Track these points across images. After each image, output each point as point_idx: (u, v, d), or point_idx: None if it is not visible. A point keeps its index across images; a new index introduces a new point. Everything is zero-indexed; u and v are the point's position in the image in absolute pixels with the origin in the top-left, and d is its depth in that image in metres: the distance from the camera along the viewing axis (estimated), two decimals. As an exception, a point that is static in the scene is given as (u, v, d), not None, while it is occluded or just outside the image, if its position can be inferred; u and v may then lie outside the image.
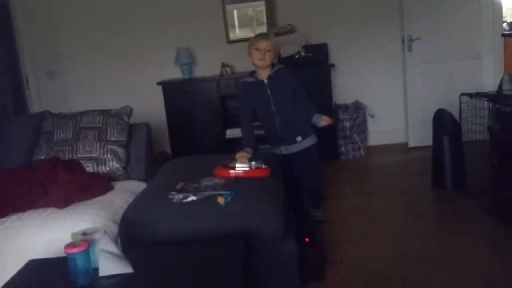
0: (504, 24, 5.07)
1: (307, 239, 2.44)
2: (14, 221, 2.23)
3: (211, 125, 4.60)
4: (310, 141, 2.91)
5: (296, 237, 2.23)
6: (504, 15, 5.10)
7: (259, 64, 2.76)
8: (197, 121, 4.60)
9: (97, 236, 1.68)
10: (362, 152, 4.66)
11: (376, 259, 2.57)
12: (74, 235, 1.68)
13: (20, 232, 2.17)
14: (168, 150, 4.75)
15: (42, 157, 2.79)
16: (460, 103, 3.34)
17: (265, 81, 2.81)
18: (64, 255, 1.57)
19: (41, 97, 4.94)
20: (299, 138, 2.87)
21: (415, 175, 3.90)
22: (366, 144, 4.81)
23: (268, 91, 2.80)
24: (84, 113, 3.02)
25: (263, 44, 2.74)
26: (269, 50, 2.74)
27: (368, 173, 4.36)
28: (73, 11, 4.89)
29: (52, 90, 4.99)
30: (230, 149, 3.94)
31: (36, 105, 4.86)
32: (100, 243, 1.64)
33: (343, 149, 4.66)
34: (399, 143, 4.88)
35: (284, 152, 2.89)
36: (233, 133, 4.48)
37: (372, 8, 4.77)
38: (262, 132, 3.03)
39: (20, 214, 2.29)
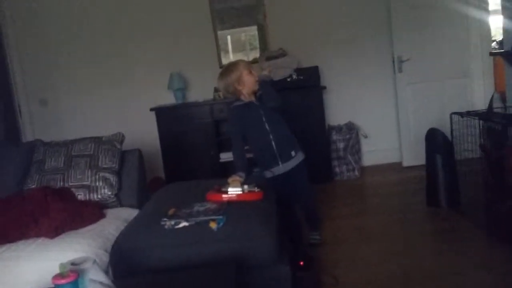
0: (493, 43, 5.14)
1: (301, 263, 2.42)
2: (3, 252, 2.20)
3: (205, 150, 4.59)
4: (301, 155, 2.96)
5: (290, 261, 2.20)
6: (493, 34, 5.18)
7: (255, 88, 2.80)
8: (191, 145, 4.60)
9: (86, 265, 1.65)
10: (356, 172, 4.66)
11: (372, 281, 2.54)
12: (62, 265, 1.64)
13: (10, 263, 2.13)
14: (162, 175, 4.73)
15: (33, 186, 2.77)
16: (451, 122, 3.35)
17: (256, 102, 2.84)
18: (53, 286, 1.54)
19: (34, 124, 4.94)
20: (293, 153, 2.91)
21: (410, 194, 3.90)
22: (361, 165, 4.82)
23: (261, 111, 2.82)
24: (75, 141, 3.01)
25: (254, 69, 2.80)
26: None
27: (363, 193, 4.34)
28: (66, 39, 4.93)
29: (45, 117, 4.99)
30: (225, 173, 3.92)
31: (29, 133, 4.86)
32: (89, 273, 1.61)
33: (337, 170, 4.66)
34: (393, 163, 4.89)
35: (282, 171, 2.89)
36: (227, 156, 4.48)
37: (362, 30, 4.84)
38: (251, 155, 3.03)
39: (10, 245, 2.26)
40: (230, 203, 2.36)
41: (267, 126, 2.84)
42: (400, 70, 4.65)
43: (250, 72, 2.78)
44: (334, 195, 4.26)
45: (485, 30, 4.67)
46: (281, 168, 2.90)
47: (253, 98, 2.85)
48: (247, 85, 2.78)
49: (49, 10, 4.90)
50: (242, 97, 2.84)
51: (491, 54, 4.32)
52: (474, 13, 4.54)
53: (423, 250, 2.91)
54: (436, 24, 4.58)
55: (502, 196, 2.84)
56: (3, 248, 2.24)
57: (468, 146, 3.28)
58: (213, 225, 2.09)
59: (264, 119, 2.83)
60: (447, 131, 3.44)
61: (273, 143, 2.85)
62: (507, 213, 2.77)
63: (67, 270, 1.59)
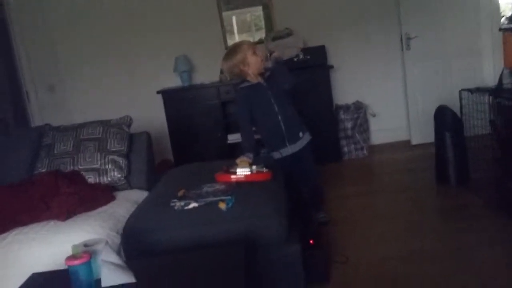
0: (503, 19, 5.04)
1: (311, 241, 2.43)
2: (16, 235, 2.23)
3: (213, 131, 4.60)
4: (308, 136, 2.97)
5: (300, 240, 2.21)
6: (502, 9, 5.08)
7: (261, 67, 2.77)
8: (199, 128, 4.60)
9: (98, 247, 1.68)
10: (365, 151, 4.65)
11: (382, 259, 2.55)
12: (75, 247, 1.67)
13: (23, 246, 2.17)
14: (171, 158, 4.75)
15: (43, 170, 2.79)
16: (461, 98, 3.32)
17: (264, 83, 2.82)
18: (66, 267, 1.56)
19: (42, 110, 4.96)
20: (300, 134, 2.92)
21: (419, 172, 3.88)
22: (369, 144, 4.79)
23: (269, 92, 2.81)
24: (84, 124, 3.02)
25: (258, 49, 2.77)
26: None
27: (372, 172, 4.34)
28: (71, 24, 4.91)
29: (52, 102, 5.00)
30: (232, 154, 3.94)
31: (37, 118, 4.87)
32: (102, 254, 1.63)
33: (346, 149, 4.64)
34: (401, 141, 4.86)
35: (289, 152, 2.89)
36: (234, 138, 4.48)
37: (369, 8, 4.77)
38: (259, 136, 3.03)
39: (22, 228, 2.29)
40: (239, 183, 2.37)
41: (275, 108, 2.83)
42: (408, 48, 4.59)
43: (255, 53, 2.75)
44: (343, 174, 4.26)
45: (494, 5, 4.58)
46: (289, 149, 2.90)
47: (260, 79, 2.83)
48: (252, 65, 2.75)
49: (54, -6, 4.87)
50: (249, 78, 2.83)
51: (501, 29, 4.24)
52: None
53: (433, 228, 2.91)
54: (444, 0, 4.49)
55: (512, 172, 2.82)
56: (16, 231, 2.28)
57: (478, 122, 3.25)
58: (222, 206, 2.11)
59: (272, 100, 2.82)
60: (456, 108, 3.41)
61: (281, 124, 2.84)
62: (517, 189, 2.76)
63: (80, 251, 1.62)
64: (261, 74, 2.84)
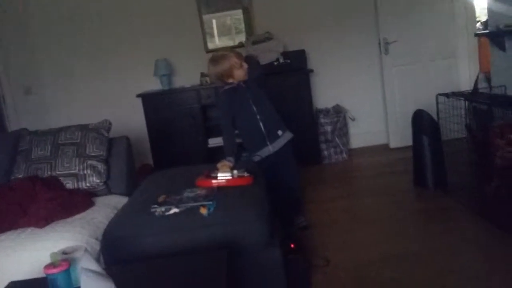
0: (478, 24, 5.17)
1: (292, 245, 2.44)
2: (-8, 243, 2.19)
3: (193, 135, 4.58)
4: (289, 135, 3.00)
5: (281, 244, 2.22)
6: (477, 14, 5.20)
7: (244, 78, 2.82)
8: (179, 131, 4.58)
9: (77, 254, 1.65)
10: (344, 155, 4.69)
11: (363, 261, 2.57)
12: (53, 254, 1.64)
13: (1, 253, 2.12)
14: (151, 162, 4.72)
15: (20, 176, 2.74)
16: (437, 103, 3.38)
17: (243, 84, 2.87)
18: (44, 275, 1.53)
19: (19, 113, 4.85)
20: (279, 132, 2.94)
21: (397, 175, 3.94)
22: (348, 147, 4.84)
23: (247, 93, 2.85)
24: (61, 129, 2.98)
25: (243, 62, 2.83)
26: None
27: (351, 175, 4.38)
28: (49, 26, 4.85)
29: (29, 106, 4.90)
30: (213, 158, 3.92)
31: (13, 122, 4.76)
32: (81, 262, 1.61)
33: (325, 153, 4.68)
34: (380, 145, 4.93)
35: (270, 151, 2.91)
36: (215, 142, 4.48)
37: (348, 13, 4.83)
38: (240, 140, 3.05)
39: (-1, 235, 2.25)
40: (220, 188, 2.37)
41: (254, 108, 2.88)
42: (386, 52, 4.66)
43: (241, 66, 2.80)
44: (323, 178, 4.29)
45: (470, 11, 4.69)
46: (270, 148, 2.92)
47: (240, 81, 2.87)
48: (236, 77, 2.82)
49: (31, -4, 4.79)
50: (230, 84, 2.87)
51: (476, 35, 4.35)
52: (459, -7, 4.56)
53: (411, 231, 2.95)
54: (421, 6, 4.58)
55: (488, 175, 2.89)
56: (-8, 239, 2.23)
57: (454, 126, 3.31)
58: (203, 211, 2.10)
59: (251, 101, 2.87)
60: (433, 112, 3.47)
61: (260, 124, 2.88)
62: (492, 192, 2.82)
63: (59, 259, 1.59)
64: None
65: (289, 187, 3.07)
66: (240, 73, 2.82)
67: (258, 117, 2.87)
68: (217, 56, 2.91)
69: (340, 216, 3.29)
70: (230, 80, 2.84)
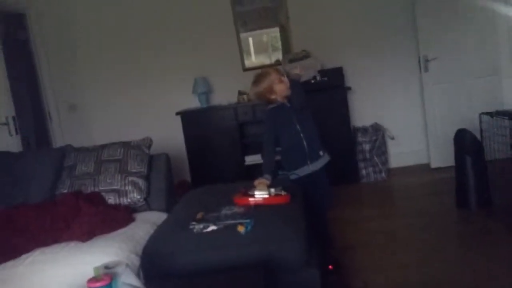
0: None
1: (330, 267, 2.41)
2: (37, 255, 2.26)
3: (230, 153, 4.62)
4: (327, 157, 2.97)
5: (319, 265, 2.19)
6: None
7: (286, 93, 2.84)
8: (216, 149, 4.63)
9: (119, 269, 1.69)
10: (383, 174, 4.61)
11: (402, 285, 2.51)
12: (96, 269, 1.69)
13: (45, 266, 2.19)
14: (188, 178, 4.78)
15: (65, 191, 2.83)
16: (481, 122, 3.29)
17: (287, 104, 2.87)
18: (87, 289, 1.57)
19: (63, 130, 5.06)
20: (321, 153, 2.92)
21: (438, 196, 3.84)
22: (388, 166, 4.76)
23: (292, 111, 2.86)
24: (105, 146, 3.07)
25: (283, 76, 2.84)
26: None
27: (390, 195, 4.30)
28: (93, 45, 5.05)
29: (74, 122, 5.10)
30: (250, 175, 3.94)
31: (58, 138, 4.97)
32: (122, 277, 1.65)
33: (364, 172, 4.62)
34: (421, 164, 4.82)
35: (308, 171, 2.89)
36: (252, 159, 4.51)
37: (386, 29, 4.79)
38: (278, 158, 3.05)
39: (43, 249, 2.32)
40: (257, 206, 2.37)
41: (298, 126, 2.87)
42: (426, 70, 4.58)
43: (281, 81, 2.82)
44: (361, 197, 4.23)
45: (513, 25, 4.57)
46: (309, 168, 2.90)
47: (285, 100, 2.88)
48: (279, 93, 2.83)
49: (77, 16, 5.02)
50: (274, 101, 2.89)
51: (521, 51, 4.22)
52: (501, 9, 4.44)
53: (453, 254, 2.85)
54: (462, 22, 4.48)
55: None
56: (37, 252, 2.30)
57: (499, 146, 3.21)
58: (241, 229, 2.11)
59: (294, 119, 2.87)
60: (476, 131, 3.38)
61: (304, 142, 2.87)
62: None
63: (101, 273, 1.63)
64: (286, 96, 2.89)
65: (327, 201, 3.03)
66: (281, 88, 2.82)
67: (302, 135, 2.87)
68: (257, 76, 2.94)
69: (378, 237, 3.22)
70: (273, 96, 2.84)
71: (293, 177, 2.92)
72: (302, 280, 2.08)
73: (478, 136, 3.37)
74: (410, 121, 4.87)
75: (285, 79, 2.83)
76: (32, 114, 4.89)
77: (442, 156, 4.49)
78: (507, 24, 4.51)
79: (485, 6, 4.42)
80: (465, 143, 3.41)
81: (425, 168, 4.73)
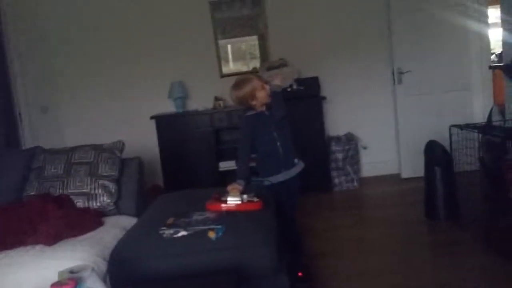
0: (493, 56, 5.18)
1: (300, 274, 2.41)
2: (1, 259, 2.19)
3: (205, 158, 4.60)
4: (301, 165, 2.98)
5: (289, 272, 2.20)
6: (492, 46, 5.21)
7: (267, 101, 2.85)
8: (191, 154, 4.61)
9: (84, 274, 1.65)
10: (355, 183, 4.66)
11: (370, 293, 2.53)
12: (61, 273, 1.65)
13: (9, 270, 2.13)
14: (161, 183, 4.73)
15: (33, 193, 2.77)
16: (450, 134, 3.36)
17: (266, 112, 2.88)
18: (51, 294, 1.53)
19: (34, 131, 4.93)
20: (296, 160, 2.93)
21: (408, 206, 3.90)
22: (360, 176, 4.82)
23: (270, 120, 2.87)
24: (75, 148, 3.02)
25: (266, 84, 2.85)
26: None
27: (361, 205, 4.34)
28: (67, 46, 4.96)
29: (45, 124, 4.98)
30: (223, 181, 3.93)
31: (29, 140, 4.84)
32: (87, 282, 1.61)
33: (336, 181, 4.66)
34: (392, 174, 4.89)
35: (282, 178, 2.90)
36: (226, 165, 4.50)
37: (362, 41, 4.87)
38: (253, 164, 3.04)
39: (8, 252, 2.25)
40: (229, 212, 2.36)
41: (275, 134, 2.88)
42: (400, 82, 4.67)
43: (263, 87, 2.83)
44: (333, 206, 4.26)
45: (485, 43, 4.70)
46: (283, 175, 2.91)
47: (263, 108, 2.89)
48: (260, 99, 2.84)
49: (51, 17, 4.93)
50: (254, 107, 2.89)
51: (490, 67, 4.35)
52: (474, 26, 4.57)
53: (421, 263, 2.90)
54: (436, 37, 4.60)
55: (501, 209, 2.84)
56: (2, 255, 2.24)
57: (467, 159, 3.29)
58: (211, 235, 2.09)
59: (273, 127, 2.88)
60: (446, 143, 3.45)
61: (280, 150, 2.89)
62: (506, 227, 2.77)
63: (66, 278, 1.60)
64: (265, 104, 2.90)
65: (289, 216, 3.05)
66: (262, 95, 2.83)
67: (278, 143, 2.88)
68: (239, 80, 2.94)
69: (350, 246, 3.25)
70: (254, 102, 2.85)
71: (266, 183, 2.92)
72: (272, 287, 2.08)
73: (448, 148, 3.44)
74: (382, 132, 4.95)
75: (267, 86, 2.85)
76: (2, 116, 4.76)
77: (413, 166, 4.57)
78: (479, 41, 4.65)
79: (458, 24, 4.54)
80: (435, 154, 3.49)
81: (395, 178, 4.81)
